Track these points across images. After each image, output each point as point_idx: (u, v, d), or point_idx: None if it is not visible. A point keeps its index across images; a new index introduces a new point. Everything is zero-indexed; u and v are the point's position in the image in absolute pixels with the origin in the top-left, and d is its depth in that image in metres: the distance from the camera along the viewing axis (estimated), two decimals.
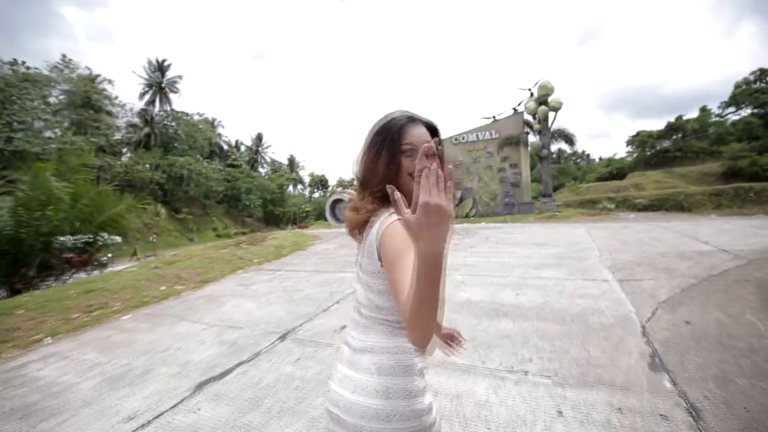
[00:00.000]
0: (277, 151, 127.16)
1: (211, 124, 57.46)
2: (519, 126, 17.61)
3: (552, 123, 16.50)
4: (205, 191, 47.17)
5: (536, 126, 16.93)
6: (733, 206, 16.78)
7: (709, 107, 44.86)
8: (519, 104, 17.68)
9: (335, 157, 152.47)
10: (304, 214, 55.96)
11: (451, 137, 19.02)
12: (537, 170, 34.15)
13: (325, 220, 18.78)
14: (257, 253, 7.36)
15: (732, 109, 43.16)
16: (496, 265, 5.13)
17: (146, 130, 45.49)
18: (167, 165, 41.75)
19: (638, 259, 4.91)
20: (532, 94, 16.94)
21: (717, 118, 43.76)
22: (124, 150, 44.50)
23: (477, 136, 18.54)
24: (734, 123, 40.80)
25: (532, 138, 17.87)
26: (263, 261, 6.68)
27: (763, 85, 41.11)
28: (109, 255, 29.10)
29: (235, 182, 51.86)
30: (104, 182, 37.80)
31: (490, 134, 18.20)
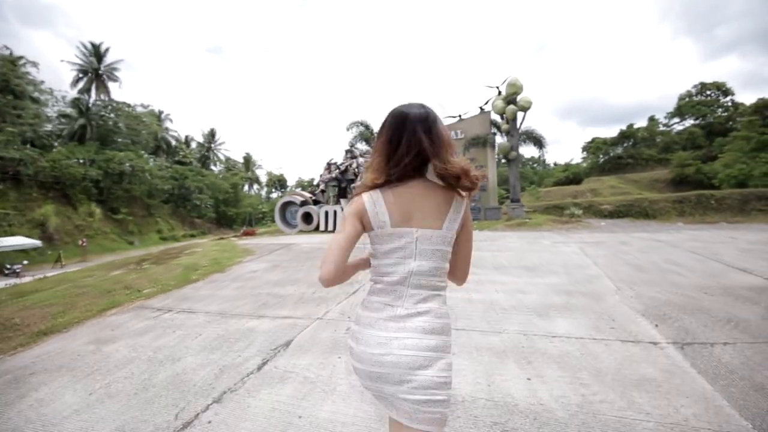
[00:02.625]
0: (231, 149, 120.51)
1: (158, 117, 53.19)
2: (486, 126, 16.52)
3: (521, 123, 15.51)
4: (148, 190, 43.21)
5: (504, 126, 15.87)
6: (695, 214, 16.62)
7: (656, 117, 47.01)
8: (486, 103, 16.61)
9: (295, 157, 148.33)
10: (260, 215, 53.03)
11: None
12: (498, 174, 33.76)
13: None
14: (156, 278, 5.41)
15: (677, 119, 45.49)
16: (483, 308, 3.60)
17: (81, 121, 40.88)
18: (104, 160, 37.54)
19: (675, 298, 3.56)
20: (499, 93, 15.87)
21: (664, 128, 45.96)
22: (57, 143, 39.75)
23: None
24: (679, 132, 42.90)
25: (500, 139, 16.87)
26: (157, 291, 4.76)
27: (703, 98, 43.62)
28: (25, 262, 25.08)
29: (184, 180, 48.07)
30: (25, 178, 33.31)
31: (455, 134, 16.97)
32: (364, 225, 1.08)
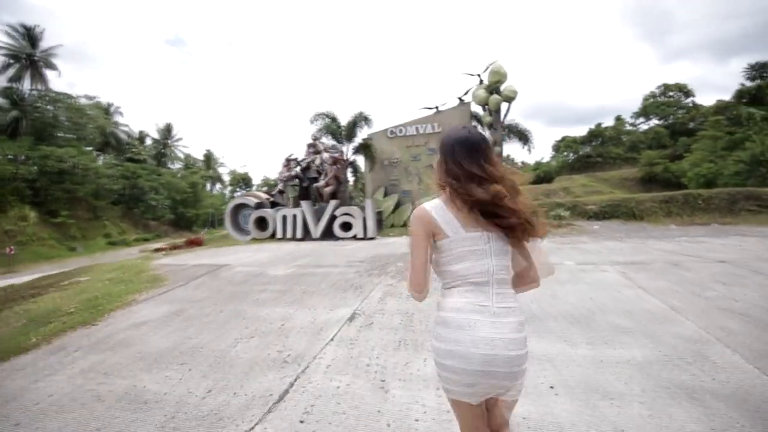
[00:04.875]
0: (191, 146, 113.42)
1: (105, 110, 48.68)
2: (466, 118, 14.89)
3: (505, 115, 13.95)
4: (95, 190, 39.15)
5: (486, 119, 14.27)
6: (683, 214, 15.72)
7: (623, 117, 47.72)
8: (466, 93, 14.98)
9: (260, 155, 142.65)
10: (222, 216, 49.57)
11: (386, 129, 15.79)
12: None
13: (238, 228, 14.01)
14: None
15: (642, 119, 46.40)
16: None
17: (14, 113, 36.35)
18: (40, 157, 33.38)
19: None
20: (481, 81, 14.26)
21: (630, 127, 46.78)
22: None
23: (417, 129, 15.50)
24: (645, 132, 43.65)
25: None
26: None
27: (666, 98, 44.60)
28: None
29: (137, 180, 44.12)
30: None
31: (432, 127, 15.27)
32: (435, 234, 1.18)
